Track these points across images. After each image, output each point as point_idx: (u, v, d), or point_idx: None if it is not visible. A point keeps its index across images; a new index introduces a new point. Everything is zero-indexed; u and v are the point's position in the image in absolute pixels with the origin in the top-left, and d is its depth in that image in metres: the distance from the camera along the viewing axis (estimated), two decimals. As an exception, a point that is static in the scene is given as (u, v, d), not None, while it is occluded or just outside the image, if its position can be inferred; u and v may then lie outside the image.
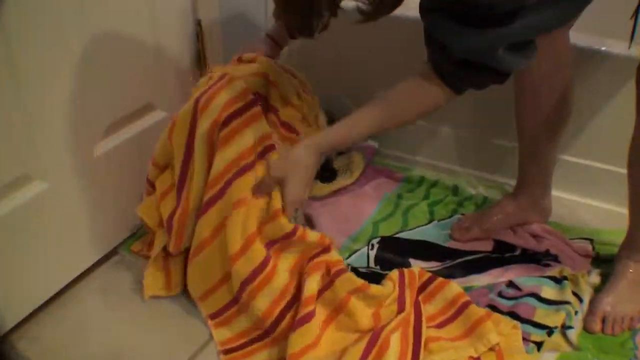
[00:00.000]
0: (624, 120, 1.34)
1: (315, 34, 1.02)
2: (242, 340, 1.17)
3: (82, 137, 1.17)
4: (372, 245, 1.38)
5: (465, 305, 1.17)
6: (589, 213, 1.52)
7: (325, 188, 1.52)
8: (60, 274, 1.24)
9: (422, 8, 1.00)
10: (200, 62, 1.37)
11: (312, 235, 1.14)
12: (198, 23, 1.33)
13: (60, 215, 1.18)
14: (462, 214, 1.48)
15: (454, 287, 1.19)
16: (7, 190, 1.07)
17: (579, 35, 1.30)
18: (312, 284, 1.12)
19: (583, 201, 1.54)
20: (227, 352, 1.15)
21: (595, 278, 1.31)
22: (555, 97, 1.28)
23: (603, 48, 1.37)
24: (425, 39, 1.04)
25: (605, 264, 1.33)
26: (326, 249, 1.16)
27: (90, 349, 1.15)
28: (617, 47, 1.37)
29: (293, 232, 1.12)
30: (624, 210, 1.48)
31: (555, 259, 1.34)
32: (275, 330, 1.14)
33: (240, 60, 1.29)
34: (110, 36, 1.16)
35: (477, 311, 1.16)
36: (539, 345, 1.16)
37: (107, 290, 1.28)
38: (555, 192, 1.43)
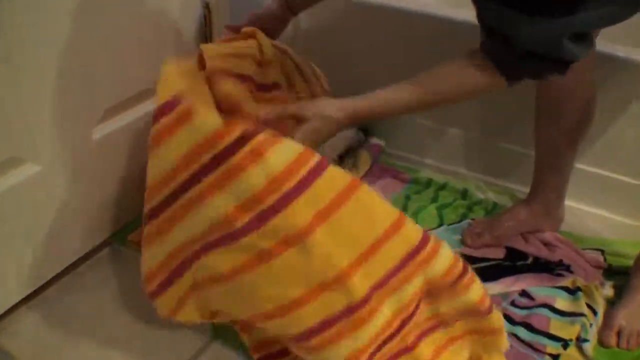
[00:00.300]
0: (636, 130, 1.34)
1: None
2: None
3: (79, 120, 1.10)
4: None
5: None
6: (599, 223, 1.47)
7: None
8: (47, 264, 1.15)
9: None
10: (206, 47, 1.29)
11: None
12: (206, 5, 1.25)
13: (51, 201, 1.10)
14: (472, 219, 1.43)
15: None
16: (-5, 172, 0.99)
17: (599, 41, 1.26)
18: None
19: (594, 211, 1.50)
20: None
21: (608, 290, 1.26)
22: (578, 105, 1.25)
23: (621, 54, 1.33)
24: (481, 27, 0.97)
25: (618, 275, 1.29)
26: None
27: (78, 347, 1.07)
28: (635, 54, 1.33)
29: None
30: (636, 222, 1.47)
31: (568, 268, 1.30)
32: None
33: (236, 31, 1.19)
34: (111, 16, 1.09)
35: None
36: (555, 358, 1.11)
37: (98, 284, 1.20)
38: (566, 201, 1.39)
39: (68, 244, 1.18)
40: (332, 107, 1.01)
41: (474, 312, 0.99)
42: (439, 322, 1.01)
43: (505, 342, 1.05)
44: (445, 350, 1.03)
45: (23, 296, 1.12)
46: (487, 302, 0.99)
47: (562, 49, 0.90)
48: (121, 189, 1.25)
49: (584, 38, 0.93)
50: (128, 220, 1.31)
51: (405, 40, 1.47)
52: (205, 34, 1.27)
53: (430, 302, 0.99)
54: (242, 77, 1.11)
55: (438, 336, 1.02)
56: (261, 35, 1.17)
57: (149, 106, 1.23)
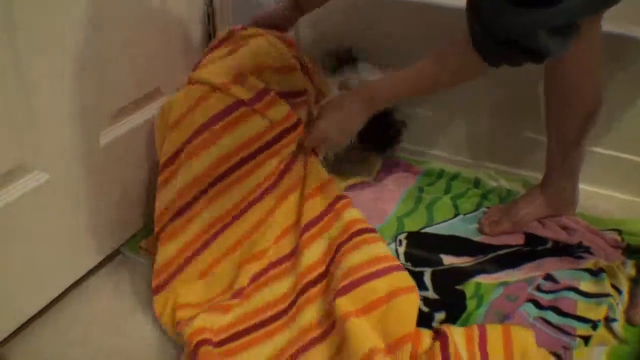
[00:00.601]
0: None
1: None
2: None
3: (86, 124, 1.06)
4: (400, 241, 1.29)
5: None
6: (613, 204, 1.46)
7: (342, 183, 1.42)
8: (57, 276, 1.11)
9: None
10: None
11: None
12: (209, 3, 1.22)
13: (60, 210, 1.05)
14: (488, 207, 1.41)
15: None
16: (2, 182, 0.94)
17: (611, 22, 1.25)
18: None
19: (607, 192, 1.49)
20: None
21: (630, 269, 1.24)
22: (586, 93, 1.23)
23: (635, 34, 1.32)
24: (467, 10, 0.99)
25: (637, 254, 1.28)
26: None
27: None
28: None
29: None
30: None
31: (588, 250, 1.28)
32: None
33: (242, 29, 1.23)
34: (117, 17, 1.06)
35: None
36: (587, 339, 1.09)
37: (108, 295, 1.15)
38: (580, 184, 1.37)
39: (78, 254, 1.14)
40: (345, 98, 1.15)
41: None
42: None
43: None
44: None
45: (37, 310, 1.07)
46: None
47: (537, 40, 0.90)
48: (130, 195, 1.21)
49: (567, 31, 0.93)
50: (139, 227, 1.27)
51: (418, 33, 1.45)
52: (209, 32, 1.24)
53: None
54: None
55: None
56: (273, 39, 1.21)
57: (155, 108, 1.21)
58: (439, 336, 1.03)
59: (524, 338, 1.04)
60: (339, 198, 1.17)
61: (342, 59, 1.49)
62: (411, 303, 1.01)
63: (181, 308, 1.07)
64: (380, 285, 1.02)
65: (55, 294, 1.10)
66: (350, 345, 0.96)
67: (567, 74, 1.21)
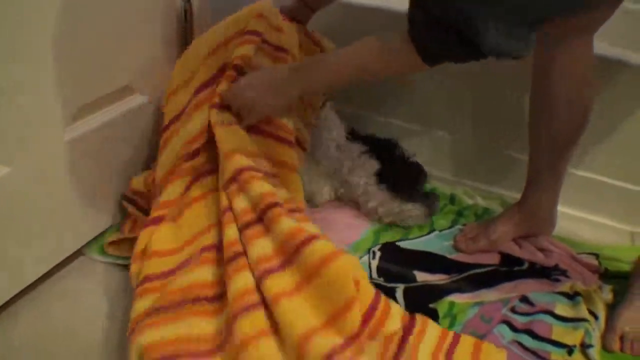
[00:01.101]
0: (633, 134, 1.30)
1: None
2: None
3: (50, 119, 0.99)
4: (374, 254, 1.24)
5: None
6: (592, 228, 1.43)
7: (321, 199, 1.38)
8: (14, 276, 1.03)
9: None
10: (186, 43, 1.20)
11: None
12: (187, 0, 1.17)
13: (21, 205, 0.98)
14: (464, 224, 1.36)
15: None
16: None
17: (599, 44, 1.22)
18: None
19: (587, 216, 1.46)
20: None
21: (607, 294, 1.20)
22: (573, 110, 1.20)
23: (620, 57, 1.29)
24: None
25: (615, 279, 1.24)
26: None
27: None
28: (634, 57, 1.30)
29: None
30: (629, 227, 1.43)
31: (564, 273, 1.24)
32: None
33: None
34: (88, 10, 1.00)
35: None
36: (561, 365, 1.06)
37: (68, 298, 1.08)
38: (559, 207, 1.32)
39: (37, 254, 1.06)
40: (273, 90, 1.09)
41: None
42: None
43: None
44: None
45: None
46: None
47: (476, 31, 0.85)
48: (95, 193, 1.14)
49: (518, 33, 0.88)
50: (104, 228, 1.20)
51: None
52: (186, 29, 1.18)
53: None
54: (255, 33, 1.20)
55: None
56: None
57: (126, 104, 1.15)
58: (408, 322, 1.01)
59: (495, 356, 1.01)
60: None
61: None
62: (346, 265, 0.92)
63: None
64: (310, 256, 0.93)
65: (7, 297, 1.03)
66: (285, 330, 0.89)
67: (555, 88, 1.17)
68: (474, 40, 0.86)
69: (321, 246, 0.93)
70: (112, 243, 1.18)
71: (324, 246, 0.93)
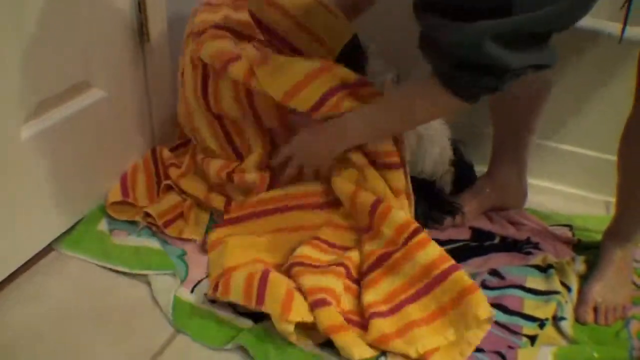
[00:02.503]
0: (603, 103, 1.25)
1: None
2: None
3: (5, 117, 0.94)
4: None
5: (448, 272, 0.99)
6: (565, 199, 1.38)
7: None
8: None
9: (416, 7, 0.87)
10: (142, 35, 1.16)
11: None
12: (141, -8, 1.12)
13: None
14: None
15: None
16: None
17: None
18: None
19: (559, 187, 1.41)
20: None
21: (580, 266, 1.16)
22: (536, 88, 1.16)
23: (585, 26, 1.23)
24: (420, 49, 0.91)
25: (587, 250, 1.20)
26: None
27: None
28: (600, 26, 1.24)
29: None
30: (601, 196, 1.38)
31: (537, 246, 1.20)
32: None
33: None
34: (38, 6, 0.95)
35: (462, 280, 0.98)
36: (533, 339, 1.01)
37: (39, 295, 1.03)
38: (530, 179, 1.29)
39: (3, 252, 1.02)
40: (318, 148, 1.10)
41: (431, 272, 0.99)
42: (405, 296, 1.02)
43: (485, 307, 0.95)
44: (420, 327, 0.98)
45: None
46: (446, 263, 0.99)
47: (484, 53, 0.81)
48: (55, 192, 1.09)
49: (524, 45, 0.83)
50: (72, 223, 1.15)
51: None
52: (141, 20, 1.14)
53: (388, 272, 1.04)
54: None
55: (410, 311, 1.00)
56: None
57: (85, 100, 1.10)
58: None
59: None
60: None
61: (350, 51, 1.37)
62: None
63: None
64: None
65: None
66: None
67: None
68: (489, 63, 0.83)
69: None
70: (115, 204, 1.19)
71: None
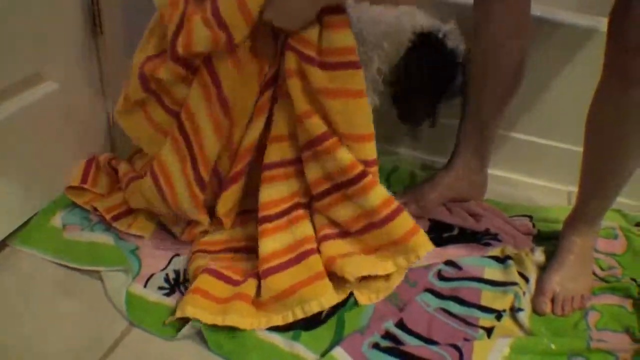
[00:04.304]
0: (565, 94, 1.21)
1: None
2: None
3: None
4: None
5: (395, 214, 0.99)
6: (525, 190, 1.34)
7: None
8: None
9: None
10: (95, 27, 1.10)
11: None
12: (93, -17, 1.06)
13: None
14: (394, 192, 1.23)
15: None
16: None
17: (536, 5, 1.12)
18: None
19: (520, 178, 1.36)
20: None
21: (539, 256, 1.12)
22: (509, 65, 1.11)
23: (555, 17, 1.19)
24: None
25: (547, 241, 1.16)
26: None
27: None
28: (570, 17, 1.20)
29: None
30: (562, 187, 1.34)
31: (496, 237, 1.15)
32: None
33: None
34: None
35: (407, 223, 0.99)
36: (489, 331, 0.97)
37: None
38: (491, 169, 1.25)
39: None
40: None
41: (376, 214, 0.99)
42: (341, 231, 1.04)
43: (425, 242, 0.99)
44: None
45: None
46: (390, 206, 0.99)
47: None
48: (6, 187, 1.03)
49: None
50: (22, 220, 1.09)
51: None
52: (94, 12, 1.08)
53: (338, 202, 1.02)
54: None
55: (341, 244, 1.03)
56: None
57: (34, 95, 1.04)
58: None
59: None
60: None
61: None
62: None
63: None
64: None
65: None
66: None
67: (492, 34, 1.08)
68: None
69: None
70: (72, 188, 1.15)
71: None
